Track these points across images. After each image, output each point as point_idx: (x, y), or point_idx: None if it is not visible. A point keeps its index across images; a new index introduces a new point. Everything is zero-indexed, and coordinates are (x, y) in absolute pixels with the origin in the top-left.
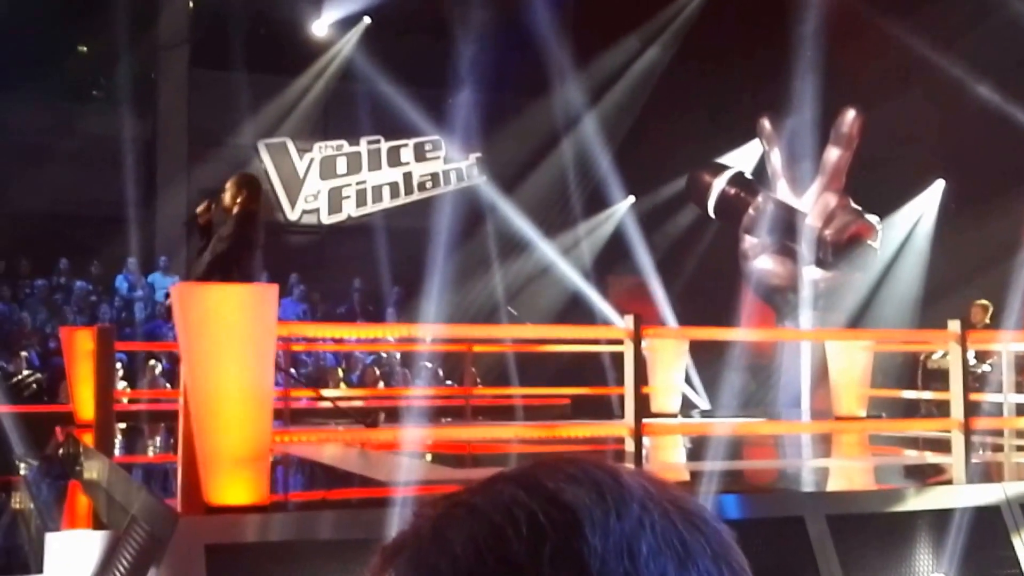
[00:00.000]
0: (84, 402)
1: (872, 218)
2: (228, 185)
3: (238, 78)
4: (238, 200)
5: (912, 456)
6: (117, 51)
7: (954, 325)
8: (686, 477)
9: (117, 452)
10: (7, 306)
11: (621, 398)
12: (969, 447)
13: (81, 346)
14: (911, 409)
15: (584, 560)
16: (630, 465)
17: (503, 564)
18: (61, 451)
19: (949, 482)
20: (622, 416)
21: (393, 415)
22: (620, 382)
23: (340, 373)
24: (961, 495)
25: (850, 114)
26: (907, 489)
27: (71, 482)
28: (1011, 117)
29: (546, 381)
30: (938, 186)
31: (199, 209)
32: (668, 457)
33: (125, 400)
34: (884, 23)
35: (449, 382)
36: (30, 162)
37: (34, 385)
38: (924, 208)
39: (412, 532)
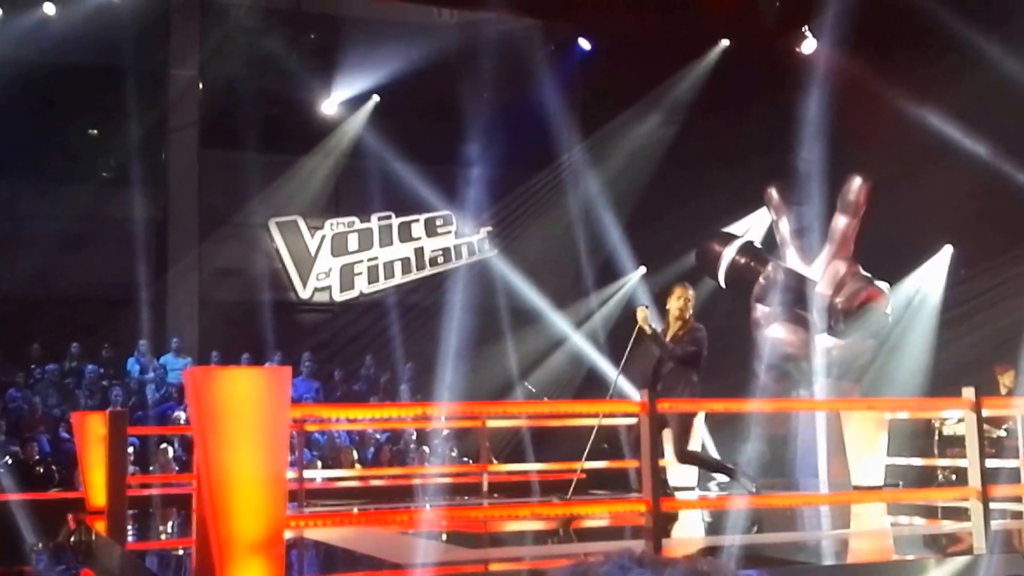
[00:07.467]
0: (96, 488)
1: (882, 284)
2: (673, 296)
3: (248, 158)
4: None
5: (931, 526)
6: (127, 133)
7: (968, 392)
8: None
9: (130, 539)
10: (19, 391)
11: (638, 471)
12: (988, 515)
13: (93, 431)
14: (927, 476)
15: None
16: (644, 542)
17: None
18: (73, 539)
19: (970, 551)
20: (639, 490)
21: (408, 494)
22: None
23: (354, 453)
24: (982, 565)
25: (856, 181)
26: (927, 560)
27: (83, 571)
28: (1013, 180)
29: (562, 455)
30: (946, 251)
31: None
32: (687, 531)
33: (139, 485)
34: (889, 91)
35: (465, 459)
36: (41, 246)
37: (44, 471)
38: (933, 273)
39: None
